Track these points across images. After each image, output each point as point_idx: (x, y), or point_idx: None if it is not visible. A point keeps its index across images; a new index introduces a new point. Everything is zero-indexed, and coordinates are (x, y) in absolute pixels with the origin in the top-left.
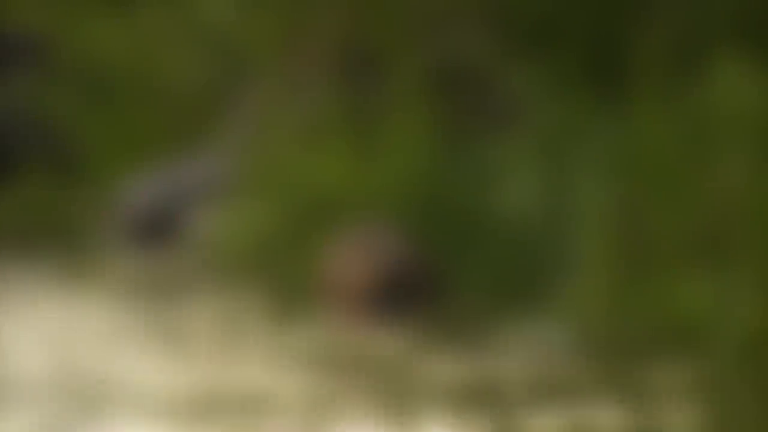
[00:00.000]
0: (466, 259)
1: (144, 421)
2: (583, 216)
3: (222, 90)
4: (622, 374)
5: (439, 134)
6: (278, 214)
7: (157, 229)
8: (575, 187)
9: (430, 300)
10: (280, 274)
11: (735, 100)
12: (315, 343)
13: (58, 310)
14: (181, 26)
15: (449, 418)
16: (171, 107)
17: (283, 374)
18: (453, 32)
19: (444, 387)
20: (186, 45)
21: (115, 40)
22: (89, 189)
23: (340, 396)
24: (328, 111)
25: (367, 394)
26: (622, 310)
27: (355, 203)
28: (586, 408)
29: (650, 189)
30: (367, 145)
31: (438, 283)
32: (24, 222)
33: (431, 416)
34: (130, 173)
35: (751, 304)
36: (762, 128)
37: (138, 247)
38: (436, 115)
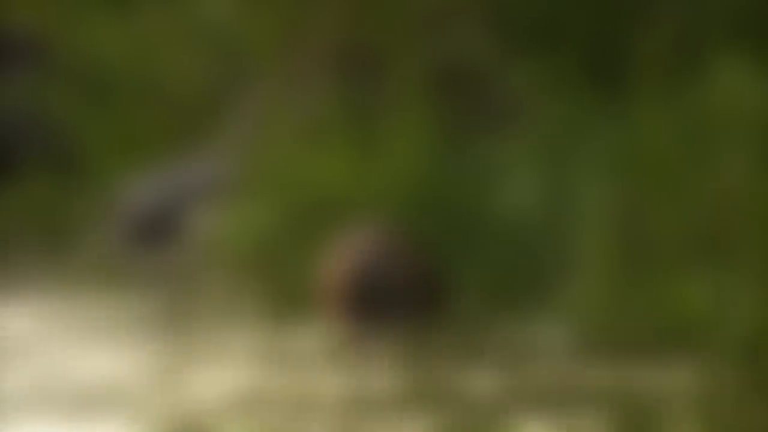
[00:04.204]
0: (466, 258)
1: (139, 419)
2: (584, 215)
3: (222, 90)
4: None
5: (440, 134)
6: (278, 214)
7: (157, 229)
8: (575, 187)
9: (430, 299)
10: (279, 274)
11: (735, 100)
12: (312, 342)
13: (56, 308)
14: (182, 26)
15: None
16: (171, 107)
17: (279, 373)
18: (453, 32)
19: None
20: (186, 45)
21: (115, 40)
22: (89, 189)
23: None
24: (329, 110)
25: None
26: (623, 309)
27: (355, 203)
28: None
29: (650, 189)
30: (367, 145)
31: (438, 283)
32: (24, 221)
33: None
34: (131, 173)
35: (751, 303)
36: (762, 128)
37: (138, 247)
38: (436, 114)
